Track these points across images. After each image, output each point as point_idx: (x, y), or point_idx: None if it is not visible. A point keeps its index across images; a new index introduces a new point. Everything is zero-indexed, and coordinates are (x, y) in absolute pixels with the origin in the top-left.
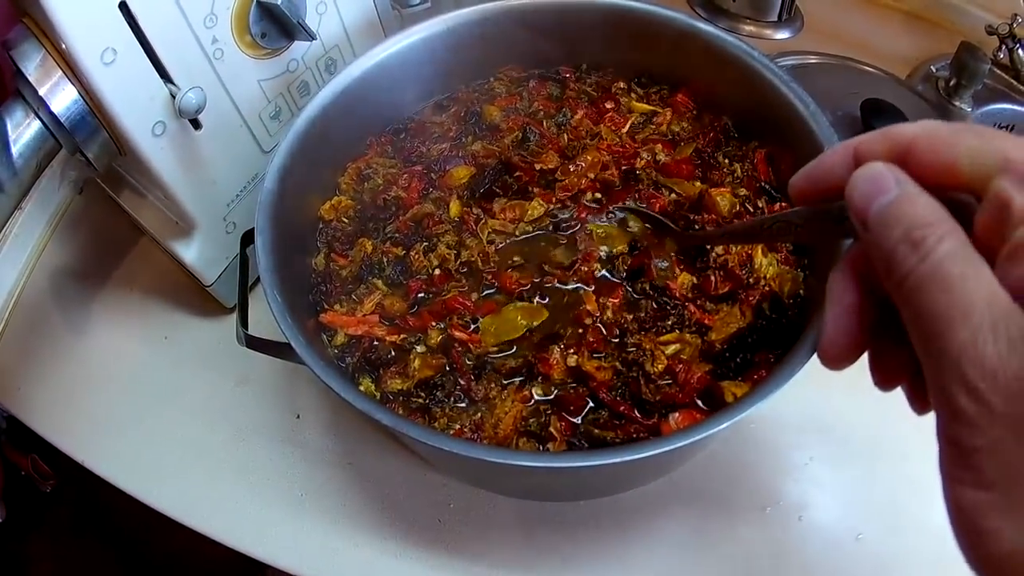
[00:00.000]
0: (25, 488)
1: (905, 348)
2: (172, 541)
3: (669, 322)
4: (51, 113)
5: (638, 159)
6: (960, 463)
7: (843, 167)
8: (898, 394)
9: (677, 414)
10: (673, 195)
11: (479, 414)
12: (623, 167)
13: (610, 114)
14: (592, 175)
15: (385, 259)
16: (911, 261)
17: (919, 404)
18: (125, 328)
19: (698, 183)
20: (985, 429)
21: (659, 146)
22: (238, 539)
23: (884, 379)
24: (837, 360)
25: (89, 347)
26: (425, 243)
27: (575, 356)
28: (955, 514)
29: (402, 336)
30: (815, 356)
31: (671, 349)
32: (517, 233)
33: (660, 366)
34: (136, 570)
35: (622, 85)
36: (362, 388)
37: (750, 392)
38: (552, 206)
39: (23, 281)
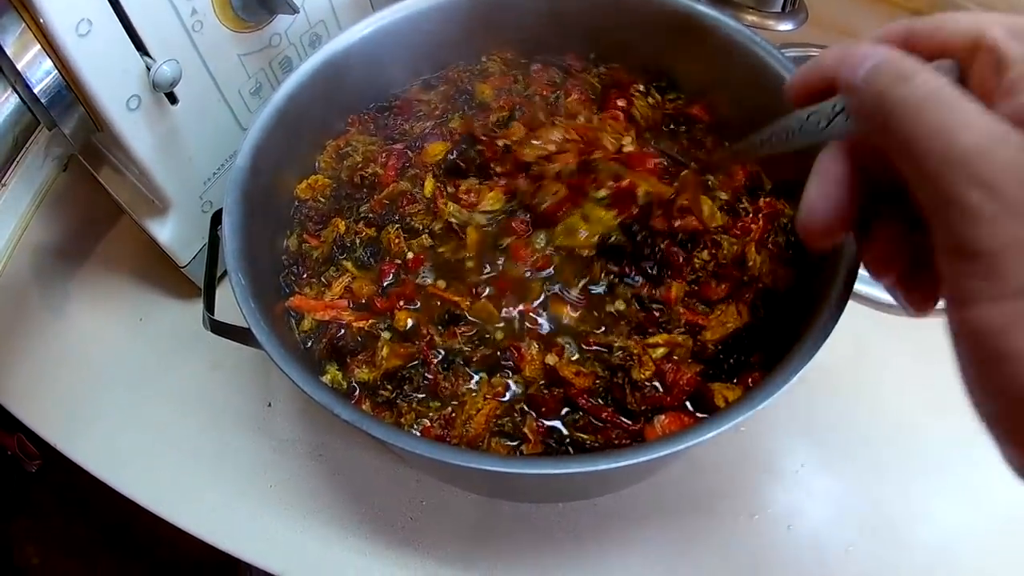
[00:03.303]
0: (11, 468)
1: (897, 227)
2: (157, 523)
3: (660, 322)
4: (28, 87)
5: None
6: (975, 273)
7: (836, 63)
8: (896, 401)
9: (663, 417)
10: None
11: (450, 408)
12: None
13: (613, 111)
14: (553, 148)
15: (357, 239)
16: (904, 89)
17: (913, 297)
18: (102, 308)
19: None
20: (1005, 224)
21: (629, 137)
22: (206, 530)
23: (877, 267)
24: (818, 232)
25: (66, 327)
26: (398, 224)
27: (553, 356)
28: (968, 340)
29: (370, 321)
30: (815, 359)
31: (659, 352)
32: (478, 220)
33: (648, 372)
34: (120, 551)
35: (641, 87)
36: (328, 377)
37: (741, 398)
38: (510, 204)
39: (5, 259)
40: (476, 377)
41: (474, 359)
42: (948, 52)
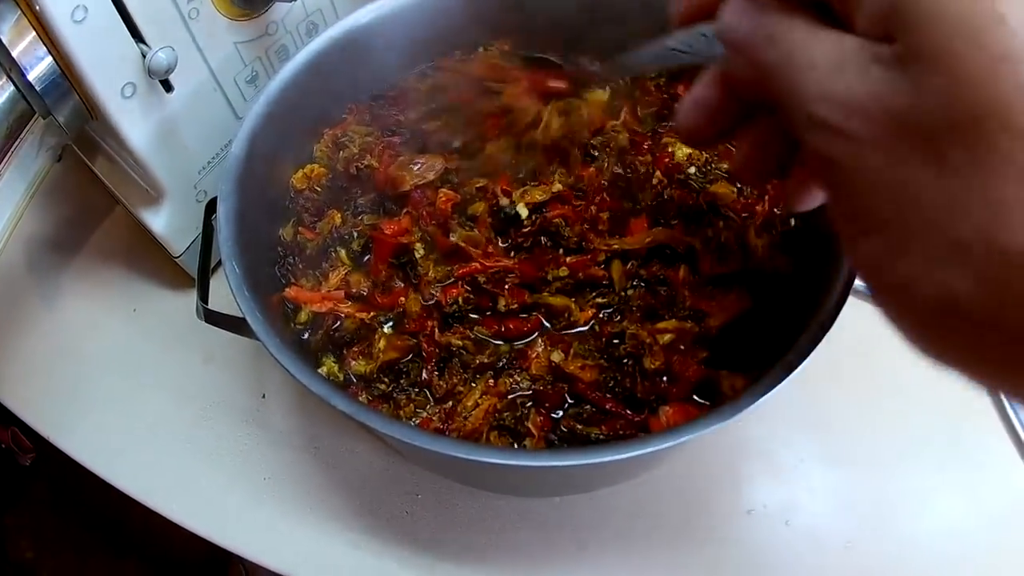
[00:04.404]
0: (4, 461)
1: (765, 133)
2: (150, 516)
3: (667, 303)
4: (23, 75)
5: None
6: (849, 215)
7: None
8: (897, 396)
9: (668, 408)
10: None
11: (450, 403)
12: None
13: None
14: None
15: (355, 232)
16: (763, 48)
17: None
18: (95, 299)
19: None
20: (857, 164)
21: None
22: (199, 522)
23: (744, 171)
24: (693, 132)
25: (59, 318)
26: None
27: (559, 353)
28: (864, 275)
29: (371, 314)
30: (815, 352)
31: (667, 338)
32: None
33: (658, 361)
34: (114, 545)
35: None
36: (324, 369)
37: (747, 388)
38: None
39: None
40: (472, 383)
41: (472, 365)
42: None
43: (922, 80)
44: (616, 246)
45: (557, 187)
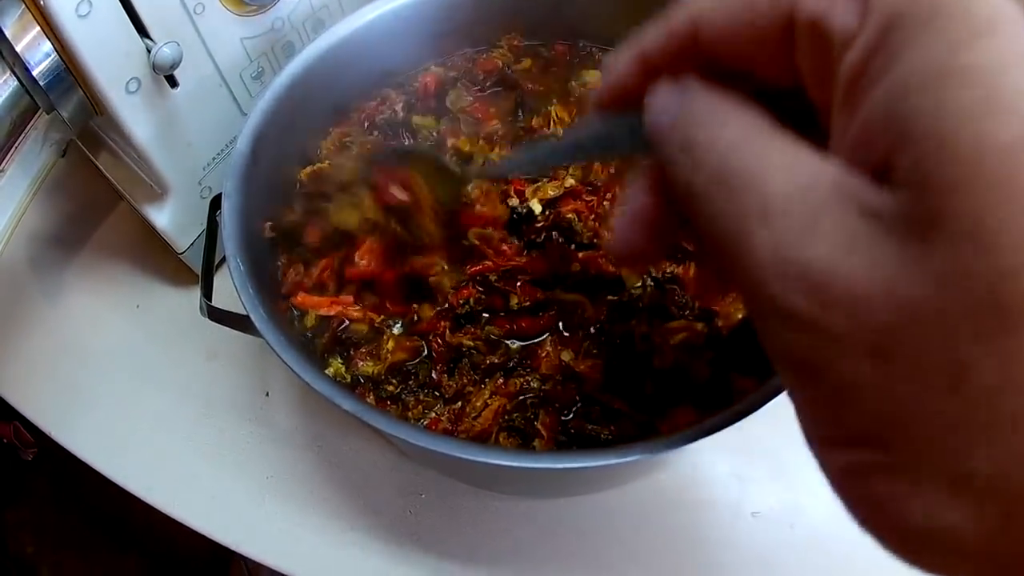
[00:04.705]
0: (6, 456)
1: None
2: (152, 513)
3: (676, 303)
4: (27, 70)
5: None
6: (823, 421)
7: (636, 77)
8: None
9: (676, 410)
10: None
11: (459, 403)
12: None
13: None
14: None
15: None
16: (685, 170)
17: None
18: (99, 296)
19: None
20: (840, 373)
21: None
22: (201, 520)
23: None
24: (622, 260)
25: (62, 314)
26: None
27: (569, 353)
28: (836, 487)
29: (381, 318)
30: None
31: (678, 338)
32: None
33: (668, 361)
34: (115, 541)
35: None
36: (331, 370)
37: (756, 390)
38: None
39: (2, 246)
40: (482, 384)
41: (483, 365)
42: (759, 43)
43: (948, 261)
44: None
45: (570, 182)
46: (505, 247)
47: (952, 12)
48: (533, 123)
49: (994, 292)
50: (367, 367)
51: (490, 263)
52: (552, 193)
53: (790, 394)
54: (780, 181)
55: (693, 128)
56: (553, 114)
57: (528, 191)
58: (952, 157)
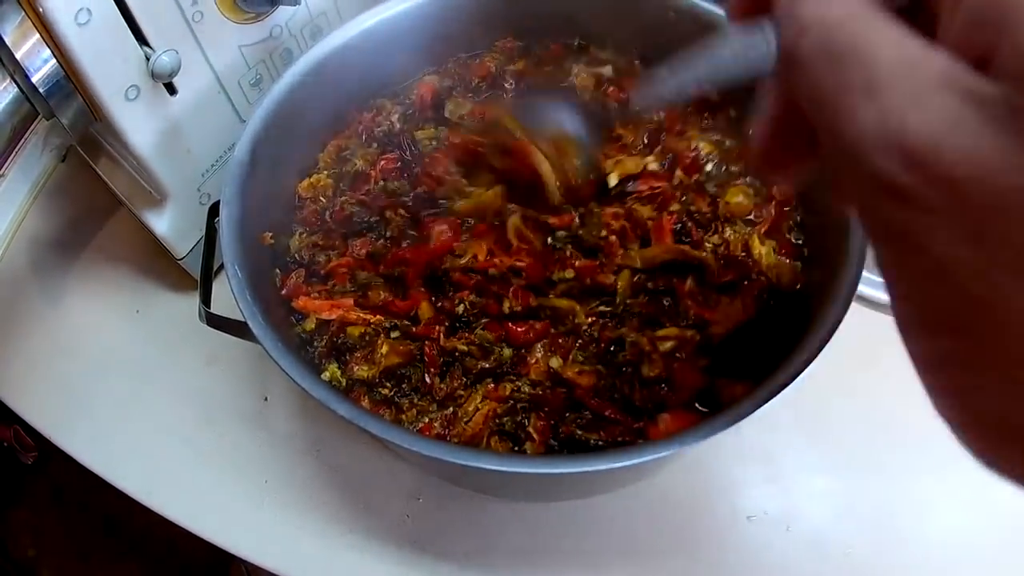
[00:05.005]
0: (7, 459)
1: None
2: (152, 516)
3: (668, 312)
4: (27, 77)
5: None
6: (915, 299)
7: None
8: (897, 403)
9: (667, 416)
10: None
11: (452, 408)
12: None
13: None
14: None
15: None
16: (790, 34)
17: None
18: (98, 300)
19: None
20: (938, 250)
21: None
22: (200, 524)
23: (768, 160)
24: (768, 168)
25: (62, 319)
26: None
27: (557, 359)
28: (926, 378)
29: (377, 319)
30: (817, 359)
31: (667, 345)
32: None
33: (656, 369)
34: (116, 544)
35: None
36: (327, 375)
37: (746, 396)
38: None
39: (2, 250)
40: (474, 388)
41: (474, 370)
42: None
43: None
44: (633, 260)
45: (653, 166)
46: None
47: None
48: None
49: None
50: (362, 371)
51: (496, 260)
52: (632, 169)
53: (885, 273)
54: (887, 56)
55: (803, 4)
56: (576, 83)
57: (609, 163)
58: None
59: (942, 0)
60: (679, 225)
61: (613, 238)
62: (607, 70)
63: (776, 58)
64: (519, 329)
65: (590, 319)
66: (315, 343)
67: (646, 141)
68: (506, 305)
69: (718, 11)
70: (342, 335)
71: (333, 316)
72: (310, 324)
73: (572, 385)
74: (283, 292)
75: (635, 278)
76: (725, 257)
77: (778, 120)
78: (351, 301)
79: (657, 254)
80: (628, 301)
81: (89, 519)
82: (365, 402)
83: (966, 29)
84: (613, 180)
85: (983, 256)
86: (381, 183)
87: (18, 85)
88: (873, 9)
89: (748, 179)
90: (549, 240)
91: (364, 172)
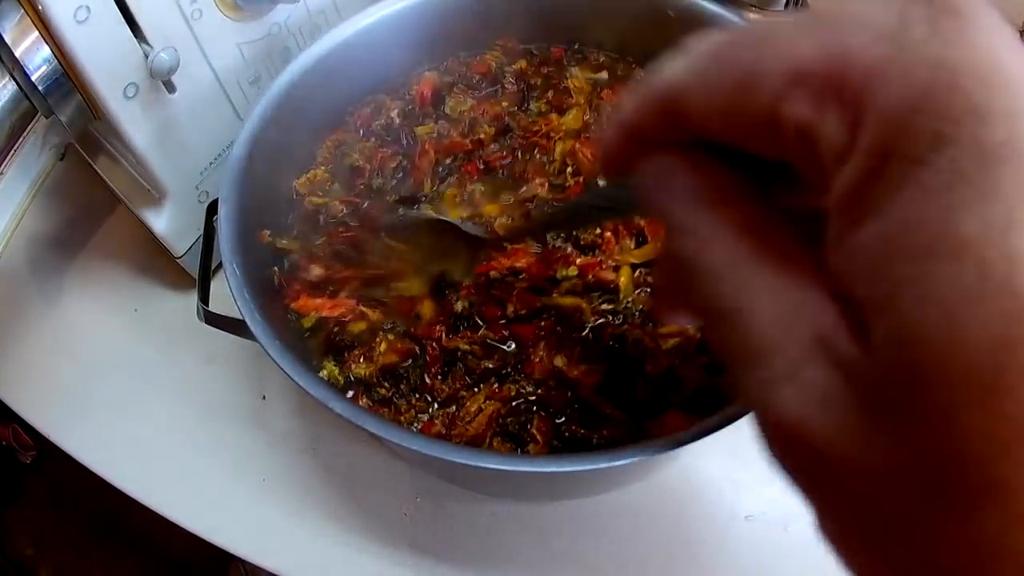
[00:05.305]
0: (5, 458)
1: None
2: (150, 514)
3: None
4: (26, 75)
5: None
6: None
7: (624, 148)
8: None
9: (668, 413)
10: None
11: (453, 406)
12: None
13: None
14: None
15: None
16: (697, 281)
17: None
18: (97, 299)
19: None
20: (816, 499)
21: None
22: (196, 522)
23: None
24: (660, 311)
25: (60, 317)
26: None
27: (562, 358)
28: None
29: (376, 314)
30: None
31: (671, 343)
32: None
33: (660, 367)
34: (114, 543)
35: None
36: (325, 372)
37: None
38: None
39: (1, 248)
40: (476, 388)
41: (477, 370)
42: (739, 134)
43: (907, 447)
44: (634, 258)
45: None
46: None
47: (960, 140)
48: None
49: (947, 476)
50: (360, 369)
51: (495, 263)
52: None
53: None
54: (764, 316)
55: (683, 237)
56: (571, 85)
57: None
58: (927, 349)
59: (831, 212)
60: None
61: (608, 234)
62: (603, 76)
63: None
64: (520, 332)
65: (595, 317)
66: (313, 340)
67: None
68: (509, 309)
69: (717, 8)
70: (340, 332)
71: (335, 313)
72: (308, 321)
73: (576, 384)
74: (281, 291)
75: (635, 273)
76: None
77: (666, 273)
78: (352, 301)
79: (656, 251)
80: (631, 298)
81: (87, 518)
82: (364, 402)
83: (849, 271)
84: (602, 180)
85: (856, 530)
86: (366, 180)
87: (17, 83)
88: (751, 250)
89: None
90: (549, 238)
91: (360, 167)
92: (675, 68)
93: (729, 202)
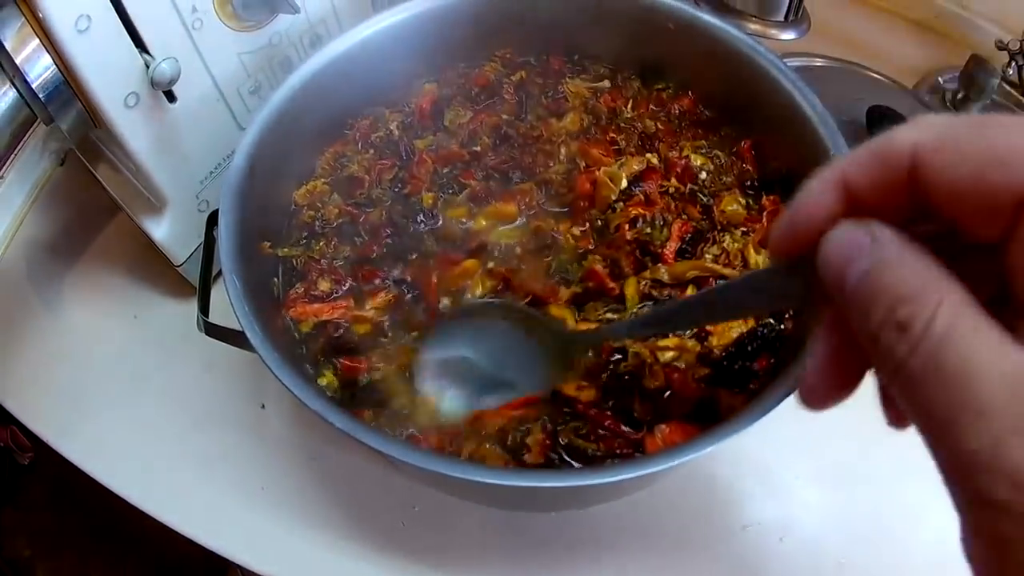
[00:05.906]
0: (3, 460)
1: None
2: (149, 519)
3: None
4: (26, 82)
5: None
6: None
7: (828, 207)
8: None
9: (665, 427)
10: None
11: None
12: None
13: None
14: None
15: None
16: (900, 351)
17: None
18: (96, 305)
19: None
20: None
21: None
22: (196, 529)
23: (896, 417)
24: (814, 404)
25: (60, 323)
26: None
27: None
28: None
29: (374, 311)
30: None
31: (668, 356)
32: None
33: (658, 381)
34: (111, 546)
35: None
36: (324, 381)
37: (744, 409)
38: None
39: (0, 253)
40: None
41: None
42: (983, 201)
43: None
44: (664, 275)
45: (654, 161)
46: None
47: None
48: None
49: None
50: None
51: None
52: (636, 168)
53: (975, 565)
54: (993, 376)
55: (904, 302)
56: (568, 90)
57: (614, 166)
58: None
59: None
60: (688, 236)
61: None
62: (604, 85)
63: (812, 298)
64: None
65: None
66: (312, 345)
67: (640, 144)
68: None
69: (716, 21)
70: (341, 334)
71: (335, 316)
72: (306, 327)
73: (573, 401)
74: (281, 301)
75: (640, 285)
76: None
77: (829, 361)
78: (352, 301)
79: (686, 270)
80: (635, 310)
81: (85, 520)
82: (367, 415)
83: None
84: (623, 183)
85: None
86: (366, 191)
87: (17, 90)
88: (973, 316)
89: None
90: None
91: (358, 177)
92: (919, 131)
93: (946, 271)
